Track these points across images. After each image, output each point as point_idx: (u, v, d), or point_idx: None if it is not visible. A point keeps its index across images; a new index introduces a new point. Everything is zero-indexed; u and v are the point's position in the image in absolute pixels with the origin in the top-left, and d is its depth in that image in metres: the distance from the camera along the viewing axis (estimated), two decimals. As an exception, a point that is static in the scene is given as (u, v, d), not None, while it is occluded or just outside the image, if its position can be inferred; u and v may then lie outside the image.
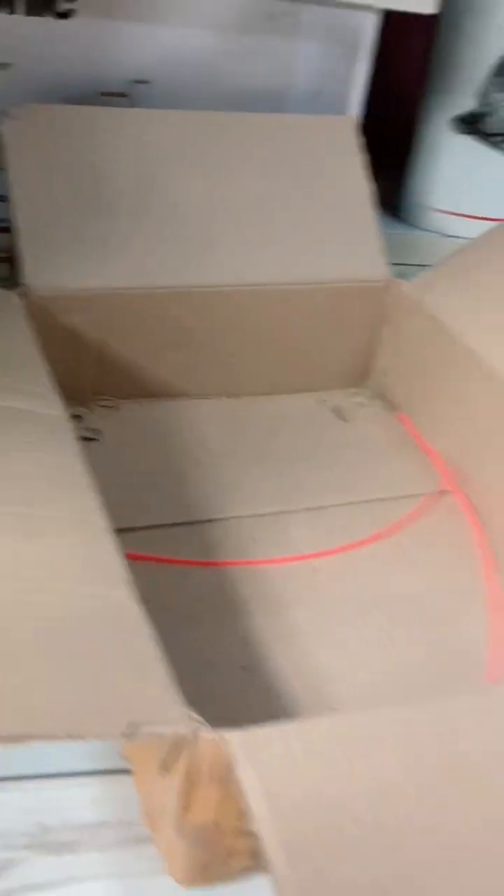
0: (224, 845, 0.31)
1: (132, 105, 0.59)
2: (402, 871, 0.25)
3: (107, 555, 0.33)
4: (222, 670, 0.38)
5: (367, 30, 0.57)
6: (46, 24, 0.55)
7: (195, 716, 0.28)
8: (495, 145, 0.77)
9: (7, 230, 0.50)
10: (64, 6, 0.55)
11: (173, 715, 0.28)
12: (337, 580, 0.43)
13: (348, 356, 0.56)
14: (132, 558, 0.35)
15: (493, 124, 0.76)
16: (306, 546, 0.45)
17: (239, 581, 0.43)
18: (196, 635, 0.39)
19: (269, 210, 0.52)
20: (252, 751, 0.27)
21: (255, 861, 0.31)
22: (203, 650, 0.38)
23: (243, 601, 0.41)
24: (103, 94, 0.58)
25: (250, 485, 0.48)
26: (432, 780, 0.26)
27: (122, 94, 0.60)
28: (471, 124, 0.77)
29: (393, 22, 0.59)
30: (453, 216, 0.78)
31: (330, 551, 0.45)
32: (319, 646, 0.40)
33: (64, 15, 0.55)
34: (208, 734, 0.27)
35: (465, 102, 0.76)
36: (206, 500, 0.47)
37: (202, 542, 0.45)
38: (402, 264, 0.61)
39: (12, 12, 0.54)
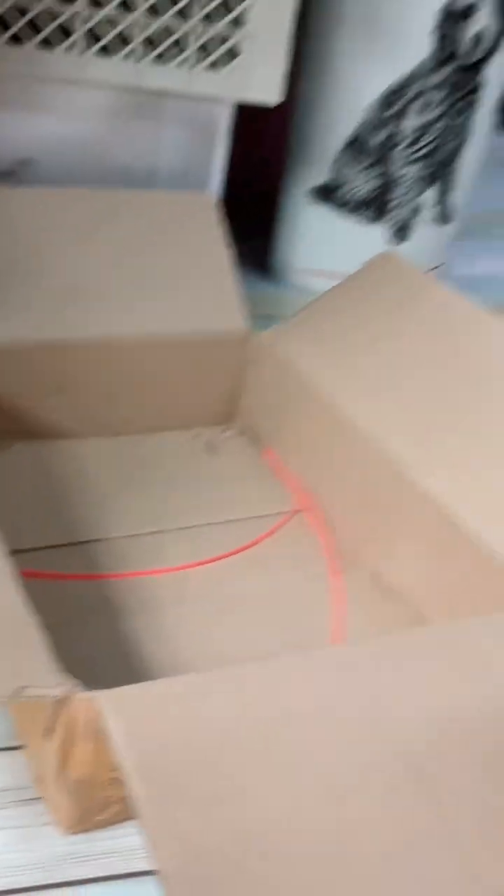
0: (100, 795, 0.37)
1: (20, 181, 0.67)
2: (236, 786, 0.32)
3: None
4: (102, 664, 0.44)
5: (223, 118, 0.66)
6: None
7: (72, 679, 0.34)
8: (347, 212, 0.87)
9: None
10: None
11: (52, 680, 0.34)
12: (204, 587, 0.51)
13: (217, 397, 0.64)
14: (26, 575, 0.41)
15: (344, 195, 0.87)
16: (178, 559, 0.52)
17: (119, 591, 0.49)
18: (79, 636, 0.45)
19: (138, 274, 0.60)
20: (118, 705, 0.33)
21: (128, 808, 0.38)
22: (85, 648, 0.45)
23: (123, 607, 0.48)
24: (-7, 173, 0.66)
25: (129, 509, 0.55)
26: (263, 720, 0.34)
27: (10, 173, 0.67)
28: (326, 195, 0.87)
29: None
30: (313, 274, 0.88)
31: (198, 563, 0.52)
32: (187, 641, 0.47)
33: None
34: (82, 694, 0.34)
35: (321, 175, 0.87)
36: (91, 523, 0.54)
37: (87, 559, 0.51)
38: (269, 316, 0.69)
39: None
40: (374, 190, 0.86)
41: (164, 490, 0.58)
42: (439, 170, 0.87)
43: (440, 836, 0.31)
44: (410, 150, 0.85)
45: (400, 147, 0.84)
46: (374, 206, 0.87)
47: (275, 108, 0.69)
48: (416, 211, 0.88)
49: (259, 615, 0.49)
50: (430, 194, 0.88)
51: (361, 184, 0.86)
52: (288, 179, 0.89)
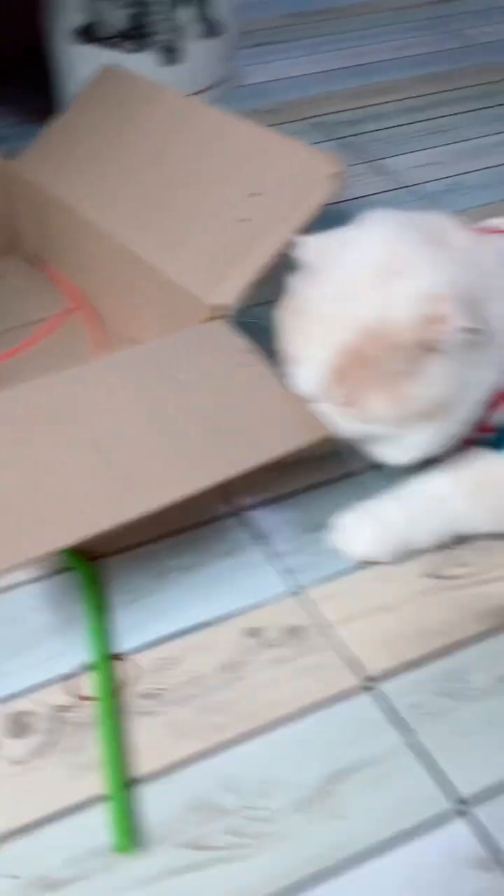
0: None
1: None
2: None
3: None
4: None
5: None
6: None
7: None
8: (112, 47, 0.92)
9: None
10: None
11: None
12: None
13: (-5, 230, 0.72)
14: None
15: (104, 30, 0.92)
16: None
17: None
18: None
19: None
20: None
21: None
22: None
23: None
24: None
25: None
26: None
27: None
28: (87, 34, 0.92)
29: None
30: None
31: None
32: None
33: None
34: None
35: (79, 16, 0.91)
36: None
37: None
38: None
39: None
40: (131, 19, 0.91)
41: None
42: (188, -14, 0.92)
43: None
44: (153, -27, 0.89)
45: (143, -28, 0.89)
46: (135, 35, 0.92)
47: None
48: (178, 31, 0.94)
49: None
50: (189, 12, 0.93)
51: (117, 16, 0.91)
52: (50, 25, 0.94)
